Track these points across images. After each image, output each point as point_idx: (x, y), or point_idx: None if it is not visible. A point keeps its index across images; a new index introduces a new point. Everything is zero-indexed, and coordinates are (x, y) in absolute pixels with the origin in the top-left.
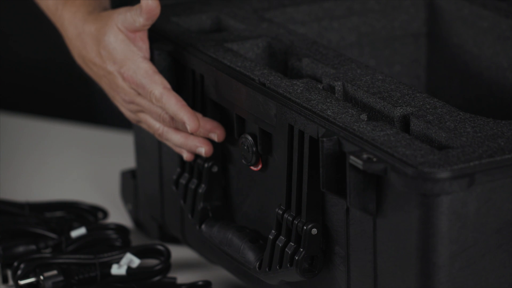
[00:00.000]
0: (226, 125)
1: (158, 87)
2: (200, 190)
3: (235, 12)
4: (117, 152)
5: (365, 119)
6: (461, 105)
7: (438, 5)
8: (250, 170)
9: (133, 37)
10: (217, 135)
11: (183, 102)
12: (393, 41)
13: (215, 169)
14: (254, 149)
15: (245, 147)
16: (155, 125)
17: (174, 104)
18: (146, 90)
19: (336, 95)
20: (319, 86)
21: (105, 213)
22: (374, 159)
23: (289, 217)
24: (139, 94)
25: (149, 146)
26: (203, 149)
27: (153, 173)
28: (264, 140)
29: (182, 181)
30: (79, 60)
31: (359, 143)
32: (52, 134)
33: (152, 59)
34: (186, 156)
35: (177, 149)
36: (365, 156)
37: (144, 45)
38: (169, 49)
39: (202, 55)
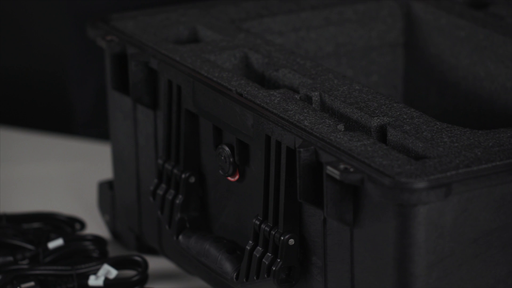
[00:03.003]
0: (203, 135)
1: None
2: (177, 201)
3: (212, 22)
4: (94, 163)
5: (342, 130)
6: (438, 115)
7: (415, 15)
8: (227, 181)
9: None
10: None
11: None
12: (370, 51)
13: (192, 179)
14: (231, 159)
15: (222, 158)
16: None
17: None
18: None
19: (313, 106)
20: (296, 96)
21: (82, 224)
22: (351, 170)
23: (266, 228)
24: None
25: (126, 157)
26: None
27: (131, 184)
28: (241, 150)
29: (159, 192)
30: None
31: (336, 153)
32: (29, 144)
33: (128, 70)
34: None
35: None
36: (342, 166)
37: None
38: (146, 60)
39: (179, 66)
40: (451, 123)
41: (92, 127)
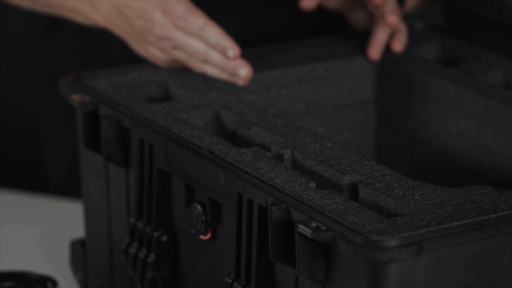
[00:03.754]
0: (175, 194)
1: (201, 17)
2: (149, 260)
3: (183, 81)
4: (66, 221)
5: (314, 188)
6: (409, 172)
7: (386, 72)
8: (199, 239)
9: None
10: (246, 71)
11: (225, 31)
12: (342, 109)
13: (164, 238)
14: (203, 218)
15: (194, 216)
16: (190, 59)
17: (219, 32)
18: (187, 22)
19: (285, 164)
20: (268, 154)
21: (54, 283)
22: (323, 228)
23: (238, 286)
24: (177, 28)
25: (98, 215)
26: (244, 70)
27: (103, 243)
28: (213, 209)
29: (132, 250)
30: (110, 12)
31: (307, 211)
32: (1, 203)
33: (100, 128)
34: (242, 82)
35: (221, 76)
36: (313, 224)
37: None
38: (118, 119)
39: (151, 124)
40: (422, 181)
41: (65, 186)
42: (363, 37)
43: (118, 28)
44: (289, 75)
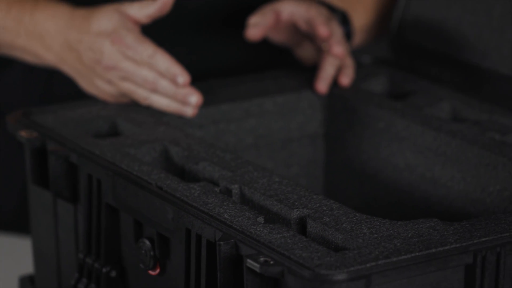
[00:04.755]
0: (123, 229)
1: (150, 46)
2: None
3: (132, 116)
4: (15, 257)
5: (262, 222)
6: (358, 206)
7: (334, 106)
8: (148, 274)
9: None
10: (196, 98)
11: (175, 59)
12: (290, 143)
13: (113, 273)
14: (152, 253)
15: (143, 251)
16: (138, 90)
17: (168, 60)
18: (137, 50)
19: (233, 198)
20: (216, 189)
21: None
22: (271, 262)
23: None
24: (125, 58)
25: (47, 251)
26: (194, 97)
27: (51, 279)
28: (162, 244)
29: (80, 286)
30: (61, 49)
31: (256, 246)
32: None
33: (48, 164)
34: (191, 112)
35: (170, 107)
36: (262, 259)
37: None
38: (66, 154)
39: (99, 160)
40: (371, 214)
41: (14, 221)
42: (311, 71)
43: (68, 65)
44: (237, 109)
